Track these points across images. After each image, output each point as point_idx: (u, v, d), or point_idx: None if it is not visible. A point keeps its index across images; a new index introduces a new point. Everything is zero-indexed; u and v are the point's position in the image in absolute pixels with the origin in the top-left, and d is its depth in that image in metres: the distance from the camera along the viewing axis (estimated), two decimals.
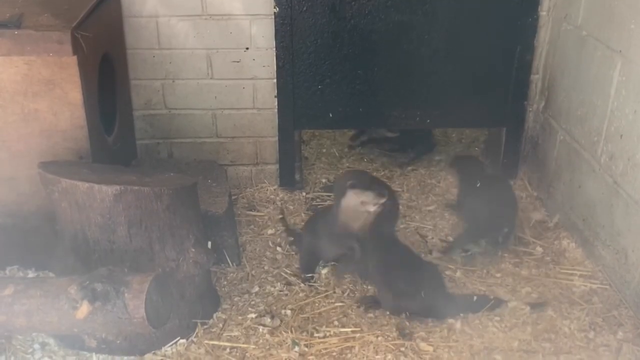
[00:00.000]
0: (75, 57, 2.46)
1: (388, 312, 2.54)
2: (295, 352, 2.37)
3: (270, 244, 3.04)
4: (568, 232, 3.05)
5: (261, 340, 2.44)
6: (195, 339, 2.44)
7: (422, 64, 3.30)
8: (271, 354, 2.37)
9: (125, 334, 2.24)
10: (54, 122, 2.55)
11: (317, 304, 2.64)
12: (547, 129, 3.30)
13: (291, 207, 3.35)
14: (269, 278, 2.81)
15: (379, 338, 2.43)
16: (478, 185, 3.01)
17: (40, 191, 2.40)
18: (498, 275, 2.80)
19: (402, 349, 2.37)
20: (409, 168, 3.70)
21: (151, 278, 2.04)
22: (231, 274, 2.83)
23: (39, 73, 2.47)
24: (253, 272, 2.85)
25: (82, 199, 2.21)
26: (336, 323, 2.53)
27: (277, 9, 3.15)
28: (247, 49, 3.25)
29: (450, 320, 2.51)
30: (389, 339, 2.42)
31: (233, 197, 3.27)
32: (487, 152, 3.82)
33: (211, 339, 2.44)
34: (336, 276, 2.77)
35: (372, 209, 2.54)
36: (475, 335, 2.44)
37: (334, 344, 2.41)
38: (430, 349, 2.37)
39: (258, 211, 3.31)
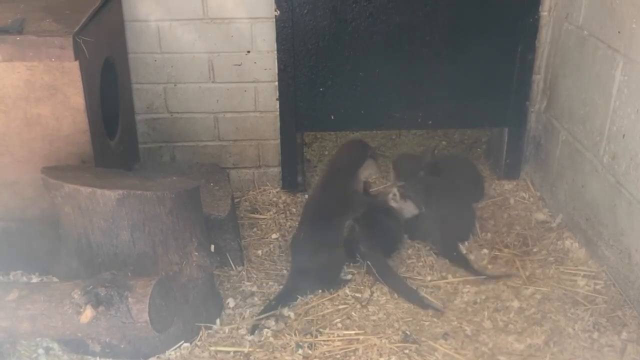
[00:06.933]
0: (77, 62, 2.47)
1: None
2: (299, 354, 2.37)
3: (273, 246, 3.04)
4: (571, 232, 3.05)
5: (265, 343, 2.44)
6: (199, 343, 2.44)
7: (424, 65, 3.30)
8: (275, 357, 2.37)
9: (129, 338, 2.23)
10: (57, 127, 2.56)
11: (320, 307, 2.64)
12: (549, 129, 3.30)
13: (294, 210, 3.35)
14: (272, 281, 2.81)
15: (383, 340, 2.42)
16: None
17: (43, 195, 2.41)
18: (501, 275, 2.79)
19: (406, 351, 2.37)
20: None
21: (154, 282, 2.04)
22: (234, 277, 2.83)
23: (41, 78, 2.48)
24: (256, 274, 2.85)
25: (85, 204, 2.22)
26: (340, 325, 2.53)
27: (278, 12, 3.15)
28: (249, 52, 3.26)
29: (455, 323, 2.51)
30: (393, 341, 2.42)
31: (235, 200, 3.27)
32: (489, 153, 3.82)
33: (215, 343, 2.45)
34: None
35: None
36: (480, 337, 2.44)
37: (338, 346, 2.41)
38: (435, 350, 2.37)
39: (260, 214, 3.31)
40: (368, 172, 3.02)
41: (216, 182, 3.06)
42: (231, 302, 2.67)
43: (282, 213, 3.32)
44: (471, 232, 3.07)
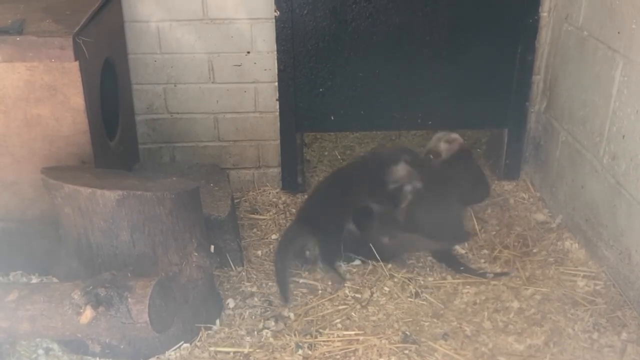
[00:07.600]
0: (77, 63, 2.47)
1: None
2: (299, 355, 2.37)
3: (273, 247, 3.04)
4: (571, 233, 3.05)
5: (265, 344, 2.44)
6: (198, 343, 2.44)
7: (424, 66, 3.30)
8: (275, 358, 2.37)
9: (129, 338, 2.24)
10: (57, 128, 2.56)
11: (320, 307, 2.64)
12: (549, 130, 3.30)
13: (294, 210, 3.35)
14: (272, 281, 2.81)
15: (383, 341, 2.42)
16: None
17: (43, 196, 2.41)
18: (501, 276, 2.79)
19: (406, 351, 2.37)
20: None
21: (154, 282, 2.04)
22: (234, 278, 2.83)
23: (41, 79, 2.48)
24: (256, 275, 2.85)
25: (85, 204, 2.22)
26: (339, 326, 2.53)
27: (278, 12, 3.15)
28: (249, 52, 3.26)
29: (455, 323, 2.52)
30: (393, 341, 2.42)
31: (235, 201, 3.27)
32: (489, 153, 3.82)
33: (215, 343, 2.45)
34: None
35: None
36: (479, 337, 2.44)
37: (338, 347, 2.41)
38: (435, 351, 2.37)
39: (260, 214, 3.31)
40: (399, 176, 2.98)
41: (216, 182, 3.06)
42: (231, 303, 2.67)
43: (282, 214, 3.32)
44: (460, 233, 3.06)
